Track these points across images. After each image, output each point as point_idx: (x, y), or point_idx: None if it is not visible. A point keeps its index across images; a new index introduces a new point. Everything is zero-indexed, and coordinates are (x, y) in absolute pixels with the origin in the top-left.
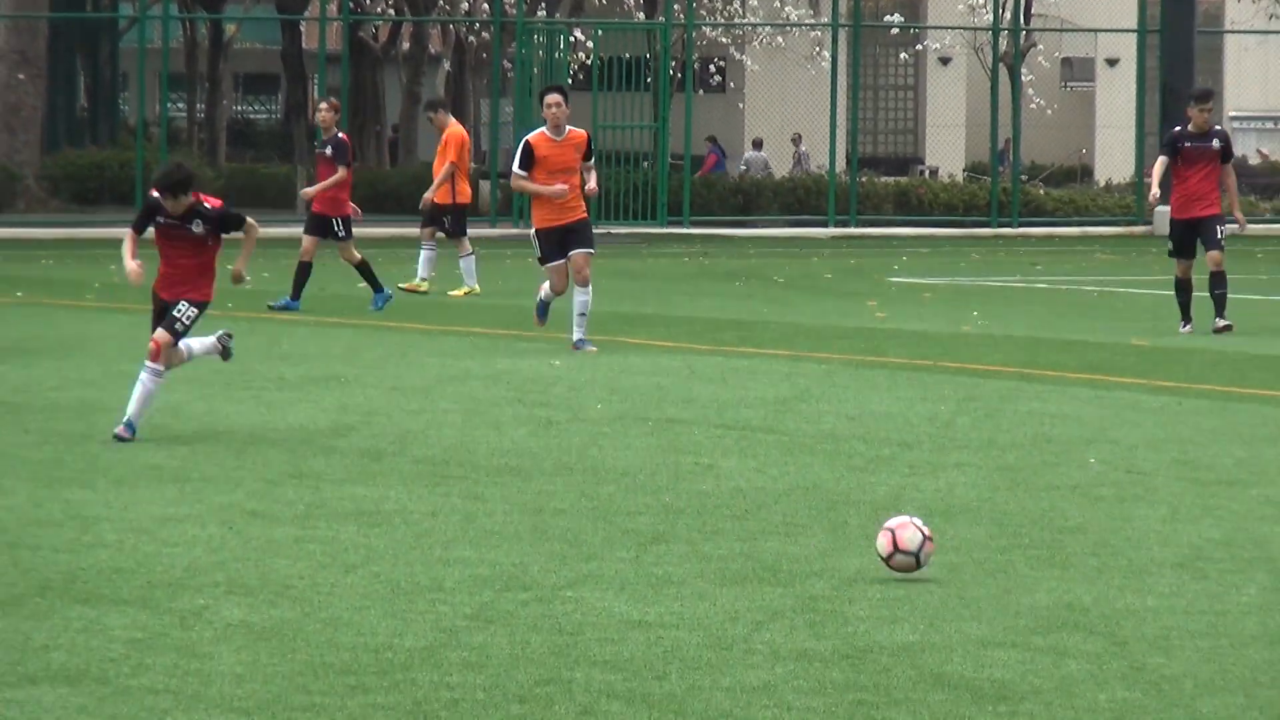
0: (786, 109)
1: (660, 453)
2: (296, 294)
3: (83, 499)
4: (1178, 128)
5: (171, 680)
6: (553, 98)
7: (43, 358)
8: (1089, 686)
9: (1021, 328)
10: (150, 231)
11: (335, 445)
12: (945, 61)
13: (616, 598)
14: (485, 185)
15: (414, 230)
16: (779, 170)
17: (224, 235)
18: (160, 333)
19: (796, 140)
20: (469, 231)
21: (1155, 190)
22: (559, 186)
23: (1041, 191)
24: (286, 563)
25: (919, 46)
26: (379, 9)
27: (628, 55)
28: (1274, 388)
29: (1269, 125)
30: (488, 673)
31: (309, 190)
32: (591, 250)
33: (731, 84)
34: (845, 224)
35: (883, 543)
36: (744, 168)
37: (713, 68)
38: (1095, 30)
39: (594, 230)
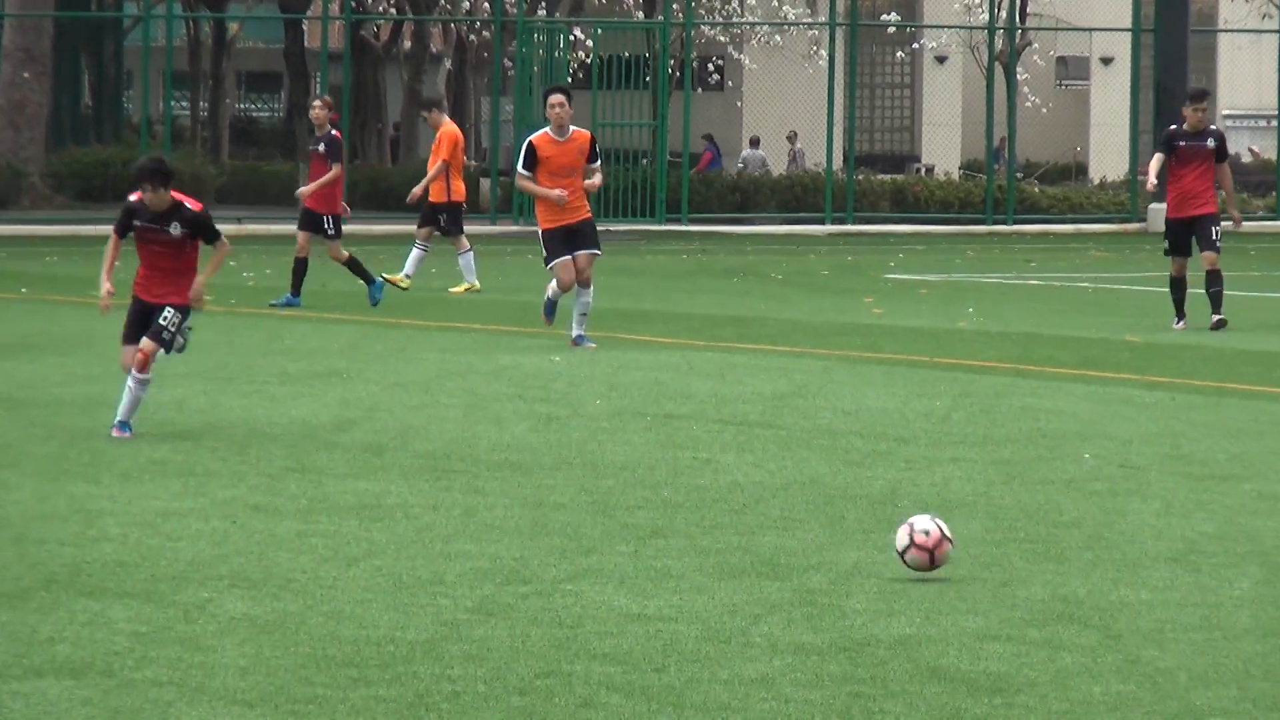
0: (784, 107)
1: (659, 448)
2: (296, 290)
3: (87, 493)
4: (1173, 126)
5: (175, 673)
6: (556, 98)
7: (47, 354)
8: (1084, 679)
9: (1016, 324)
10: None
11: (337, 440)
12: (941, 60)
13: (616, 591)
14: (485, 183)
15: (412, 227)
16: (776, 168)
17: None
18: (145, 342)
19: (792, 138)
20: (465, 229)
21: (1152, 179)
22: (558, 192)
23: (1036, 189)
24: (289, 556)
25: (915, 45)
26: (380, 8)
27: (627, 54)
28: (1266, 383)
29: (1262, 124)
30: (488, 665)
31: (304, 190)
32: (596, 251)
33: (730, 82)
34: (842, 221)
35: (918, 559)
36: (741, 165)
37: (711, 66)
38: (1090, 29)
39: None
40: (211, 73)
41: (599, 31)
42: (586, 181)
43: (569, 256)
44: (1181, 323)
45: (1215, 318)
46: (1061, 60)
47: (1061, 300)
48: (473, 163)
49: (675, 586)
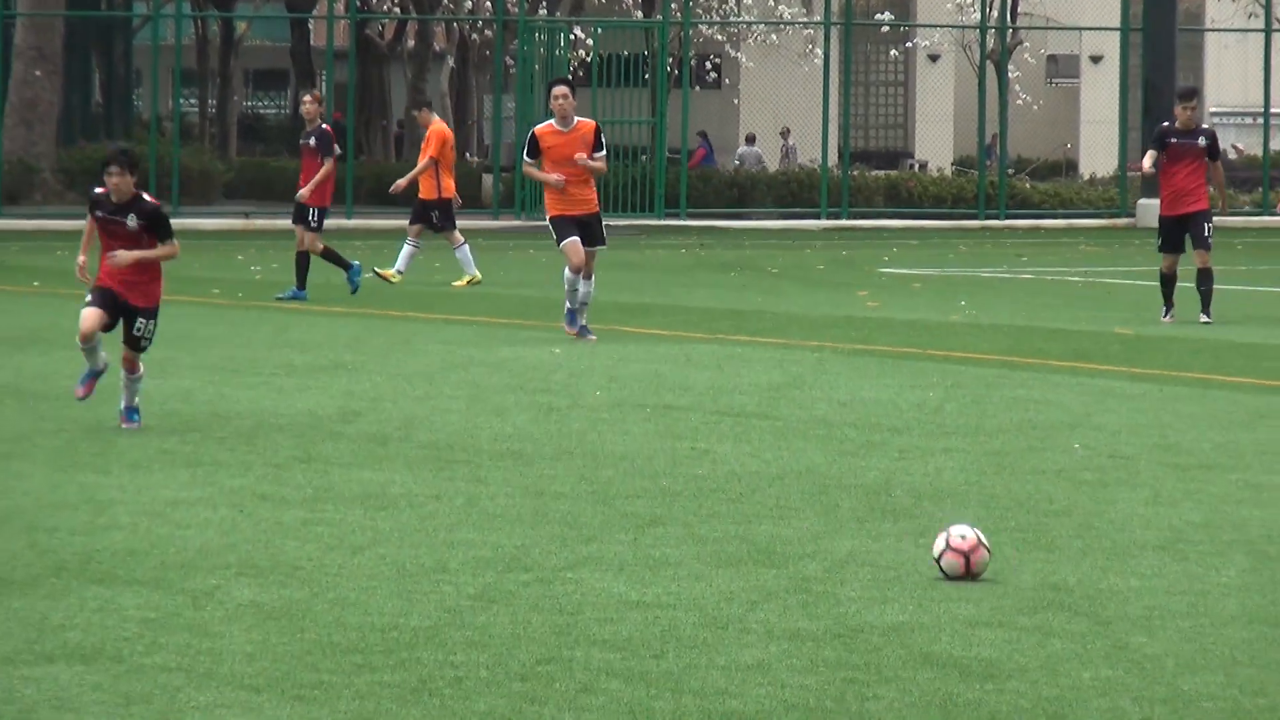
0: (780, 105)
1: (658, 438)
2: (301, 284)
3: (97, 483)
4: (1165, 124)
5: (184, 658)
6: (559, 90)
7: (58, 347)
8: (1073, 665)
9: (1008, 317)
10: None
11: (342, 431)
12: (934, 58)
13: (615, 579)
14: (488, 179)
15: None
16: (771, 164)
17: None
18: (127, 352)
19: (785, 134)
20: (467, 224)
21: (1148, 165)
22: (555, 176)
23: (1027, 185)
24: (295, 545)
25: (909, 44)
26: (385, 7)
27: (626, 52)
28: (1252, 375)
29: (1248, 121)
30: (490, 651)
31: (304, 191)
32: (601, 246)
33: (727, 80)
34: (837, 216)
35: (953, 564)
36: (738, 163)
37: (709, 64)
38: (1080, 28)
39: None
40: (219, 71)
41: (599, 30)
42: (581, 159)
43: (578, 237)
44: (1169, 316)
45: (1203, 319)
46: (1052, 58)
47: (1052, 294)
48: (474, 159)
49: (673, 574)
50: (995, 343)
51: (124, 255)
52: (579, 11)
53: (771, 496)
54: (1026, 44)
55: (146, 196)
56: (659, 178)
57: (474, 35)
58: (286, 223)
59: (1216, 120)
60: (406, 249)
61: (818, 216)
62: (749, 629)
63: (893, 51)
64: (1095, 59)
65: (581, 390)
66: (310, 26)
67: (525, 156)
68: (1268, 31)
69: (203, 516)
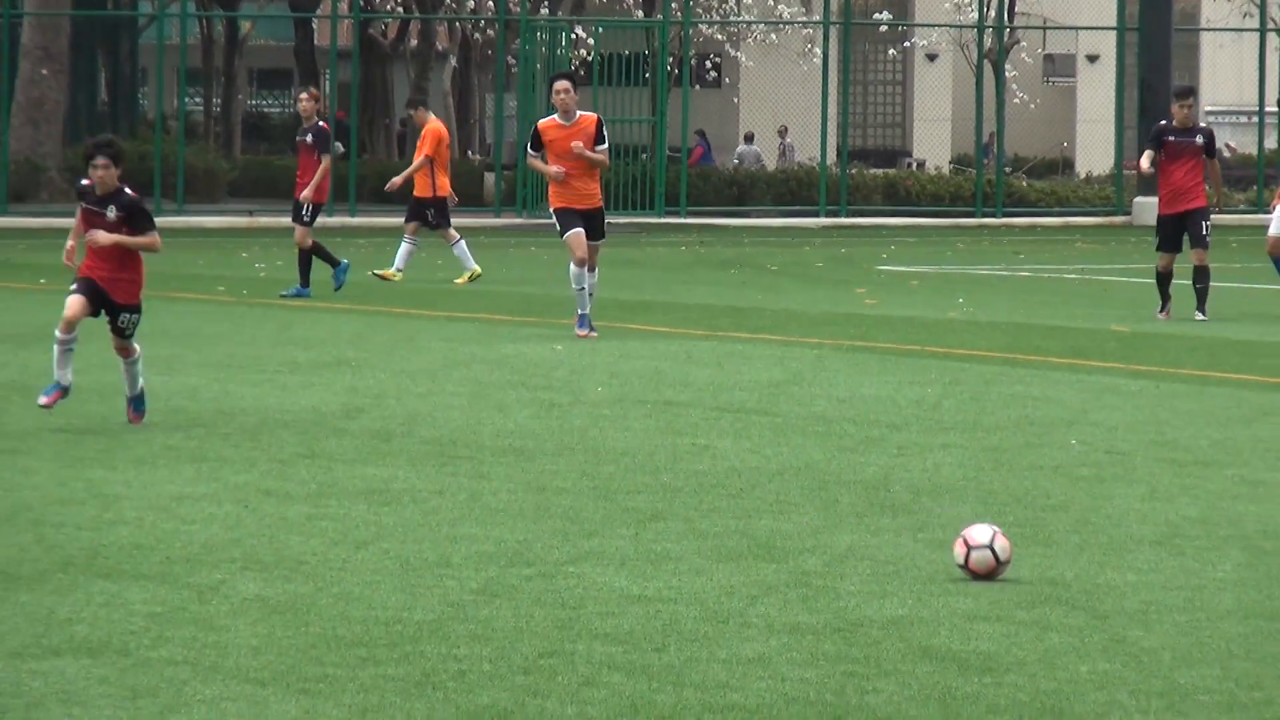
0: (780, 103)
1: (658, 434)
2: (305, 281)
3: (104, 478)
4: (1163, 122)
5: (190, 652)
6: (561, 84)
7: None
8: (1071, 658)
9: (1005, 314)
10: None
11: (346, 427)
12: (932, 58)
13: (617, 573)
14: (490, 177)
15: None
16: (769, 163)
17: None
18: (118, 343)
19: (782, 132)
20: (470, 221)
21: (1146, 165)
22: (555, 168)
23: (1024, 183)
24: (300, 539)
25: (907, 43)
26: (388, 7)
27: (627, 52)
28: (1248, 371)
29: (1243, 120)
30: (493, 645)
31: (306, 193)
32: (601, 240)
33: (727, 79)
34: (836, 214)
35: (984, 559)
36: (737, 161)
37: (709, 64)
38: (1076, 28)
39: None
40: (224, 70)
41: (600, 30)
42: (581, 148)
43: (581, 229)
44: (1165, 312)
45: (1199, 316)
46: (1049, 58)
47: (1049, 291)
48: (477, 157)
49: (674, 569)
50: (993, 340)
51: (103, 235)
52: (580, 11)
53: (771, 492)
54: (1023, 43)
55: (128, 190)
56: (659, 176)
57: (476, 34)
58: (290, 220)
59: (1211, 119)
60: (404, 247)
61: (817, 214)
62: (749, 623)
63: (891, 51)
64: (1092, 58)
65: (583, 387)
66: (314, 26)
67: (529, 149)
68: (1262, 31)
69: (208, 512)
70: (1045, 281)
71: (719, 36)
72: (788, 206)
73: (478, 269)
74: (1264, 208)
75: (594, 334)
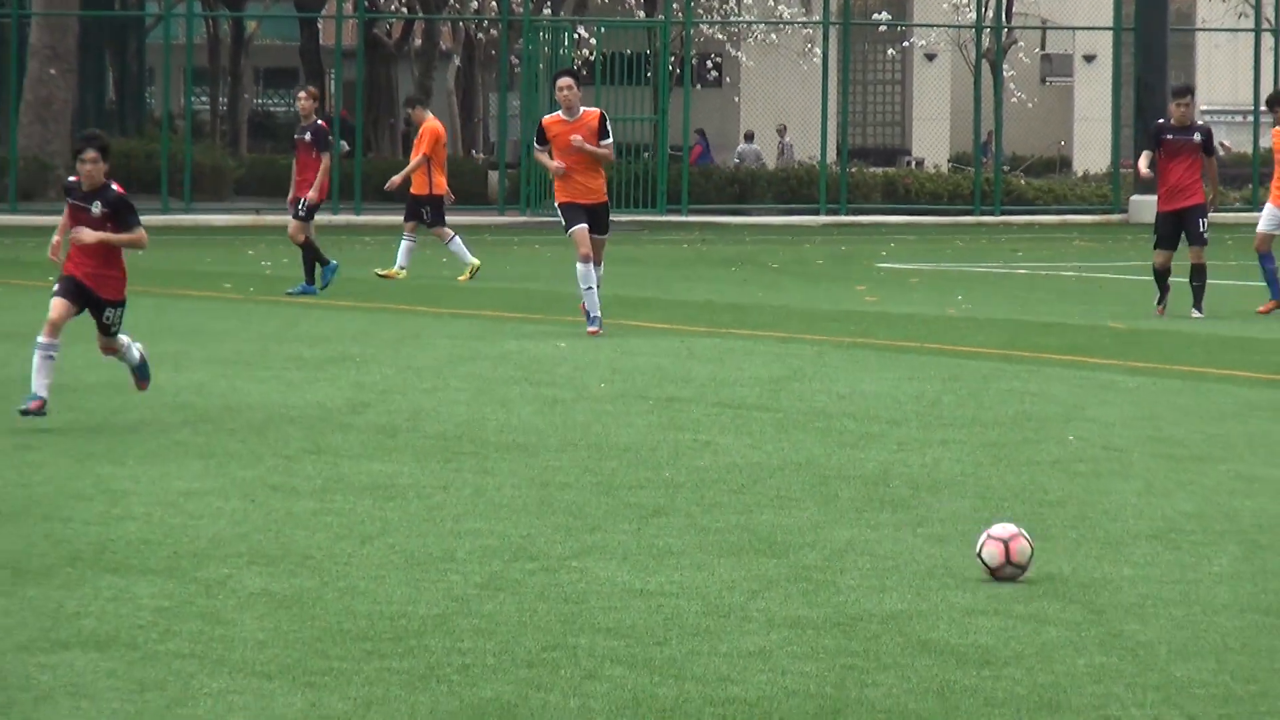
0: (780, 103)
1: (660, 430)
2: (310, 278)
3: (112, 474)
4: (1160, 120)
5: (197, 645)
6: (563, 81)
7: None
8: (1068, 652)
9: (1003, 311)
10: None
11: (351, 422)
12: (931, 58)
13: (619, 568)
14: (493, 175)
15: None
16: (769, 161)
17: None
18: (104, 341)
19: (781, 131)
20: (473, 219)
21: (1144, 168)
22: (556, 164)
23: (1022, 181)
24: (306, 534)
25: (906, 43)
26: (393, 7)
27: (629, 51)
28: (1243, 368)
29: (1238, 119)
30: (497, 639)
31: (312, 194)
32: (605, 236)
33: (727, 79)
34: (836, 212)
35: (993, 552)
36: (738, 160)
37: (710, 63)
38: (1073, 28)
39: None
40: (230, 69)
41: (602, 30)
42: (581, 141)
43: (586, 225)
44: (1161, 306)
45: (1195, 314)
46: (1046, 57)
47: (1046, 288)
48: (480, 156)
49: (676, 563)
50: (991, 336)
51: (88, 233)
52: (582, 11)
53: (772, 487)
54: (1021, 43)
55: (114, 185)
56: (661, 174)
57: (480, 34)
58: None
59: (1207, 119)
60: (405, 244)
61: (817, 212)
62: (750, 617)
63: (890, 51)
64: (1089, 58)
65: (586, 383)
66: (319, 26)
67: (535, 144)
68: (1257, 31)
69: (215, 507)
70: (1043, 279)
71: (720, 36)
72: (788, 205)
73: (477, 262)
74: (1258, 206)
75: (601, 331)
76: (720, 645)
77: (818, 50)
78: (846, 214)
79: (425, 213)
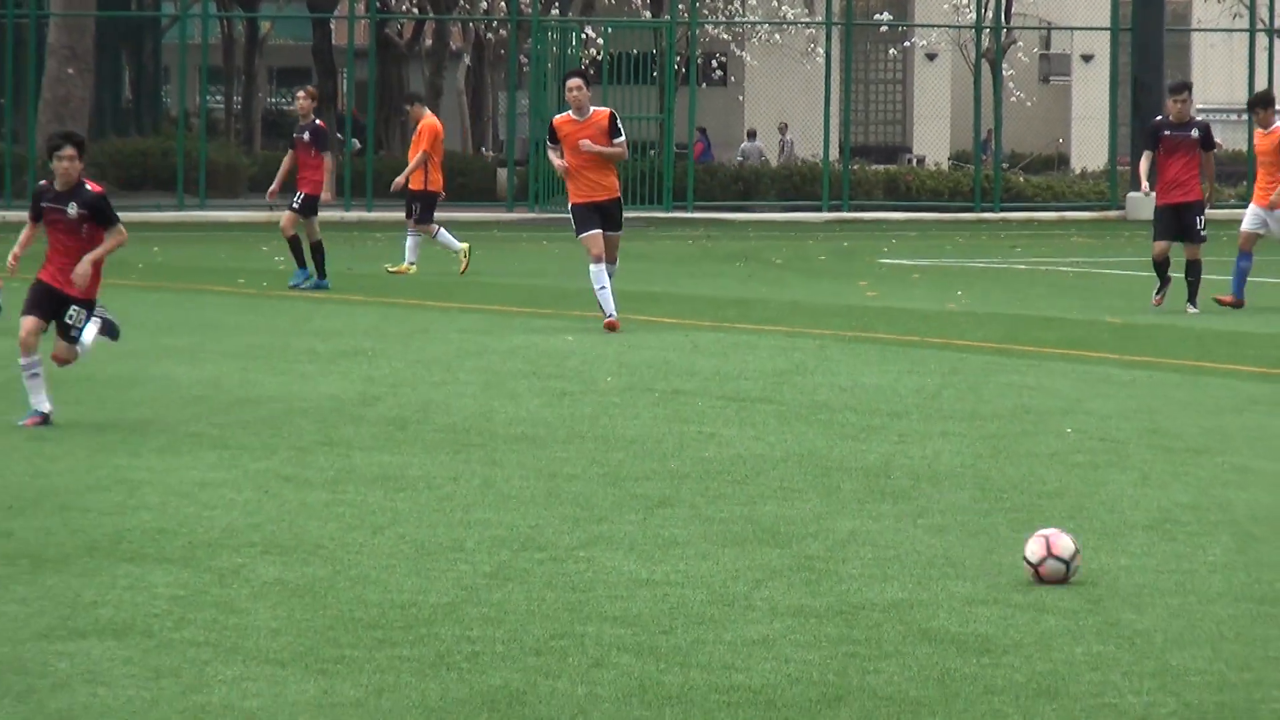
0: (783, 102)
1: (666, 422)
2: (321, 273)
3: (128, 465)
4: (1158, 118)
5: (211, 634)
6: (573, 81)
7: None
8: (1066, 640)
9: (1003, 306)
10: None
11: (363, 415)
12: (931, 57)
13: (625, 557)
14: (502, 173)
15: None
16: (772, 159)
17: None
18: (61, 346)
19: (782, 129)
20: (481, 215)
21: (1144, 185)
22: (561, 163)
23: (1021, 179)
24: (318, 524)
25: (907, 43)
26: (404, 7)
27: (635, 51)
28: (1238, 362)
29: (1233, 118)
30: (506, 627)
31: (326, 195)
32: (618, 233)
33: (732, 78)
34: (838, 209)
35: (1035, 548)
36: (741, 158)
37: (714, 63)
38: (1071, 28)
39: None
40: (244, 69)
41: (609, 30)
42: (588, 144)
43: (596, 230)
44: (1159, 296)
45: (1190, 309)
46: (1044, 57)
47: (1045, 284)
48: (490, 154)
49: (682, 553)
50: (991, 331)
51: (81, 270)
52: (590, 11)
53: (775, 478)
54: (1020, 43)
55: (89, 185)
56: (666, 171)
57: (489, 34)
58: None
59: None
60: (410, 240)
61: (820, 209)
62: (754, 606)
63: (891, 50)
64: (1086, 58)
65: (593, 376)
66: (332, 26)
67: (548, 143)
68: (1252, 31)
69: (229, 497)
70: (1041, 274)
71: (724, 36)
72: (792, 201)
73: (465, 245)
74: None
75: (617, 322)
76: (725, 634)
77: (820, 50)
78: (849, 211)
79: (414, 208)
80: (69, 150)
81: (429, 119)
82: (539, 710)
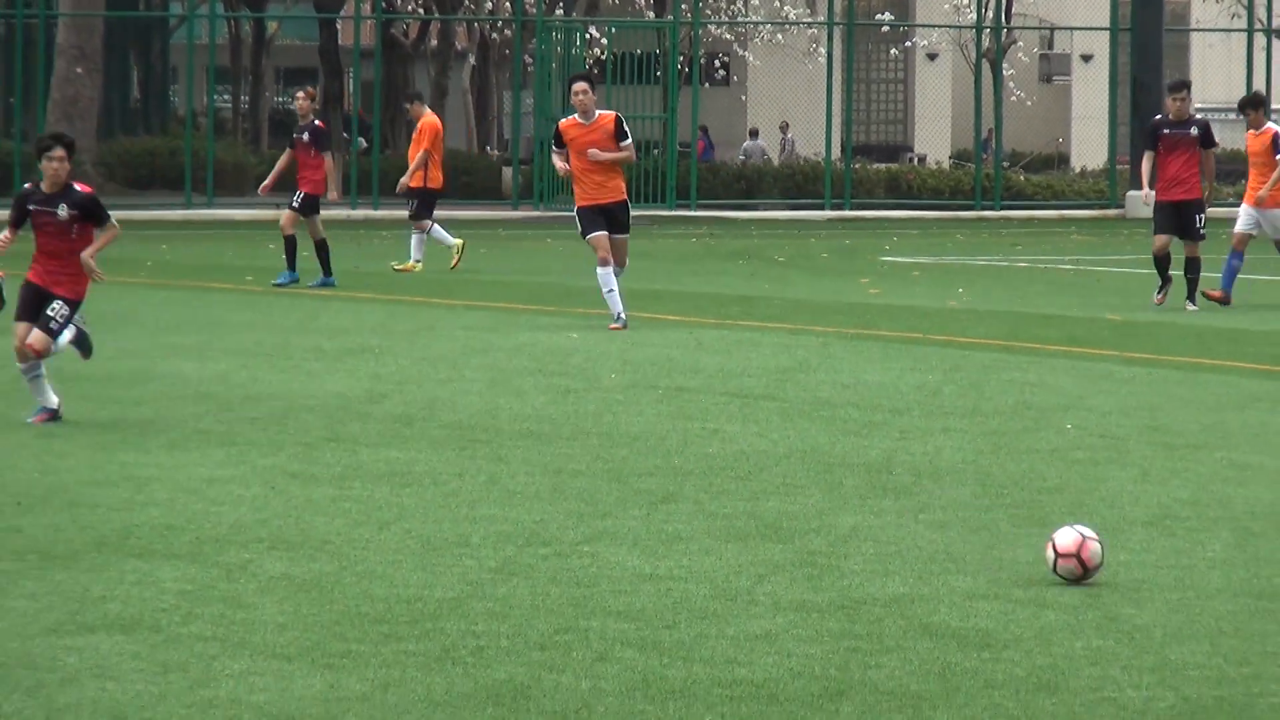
0: (785, 101)
1: (669, 419)
2: (327, 271)
3: (136, 461)
4: (1158, 117)
5: (219, 629)
6: (578, 85)
7: (100, 330)
8: (1066, 635)
9: (1003, 303)
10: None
11: (369, 411)
12: (933, 57)
13: (629, 553)
14: (507, 171)
15: (438, 212)
16: (774, 157)
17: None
18: (35, 335)
19: (784, 128)
20: (488, 214)
21: (1146, 190)
22: (563, 166)
23: (1021, 177)
24: (324, 520)
25: (908, 43)
26: (409, 7)
27: (639, 51)
28: (1237, 359)
29: (1232, 117)
30: (511, 622)
31: (333, 194)
32: (625, 235)
33: (735, 78)
34: (840, 207)
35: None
36: (743, 157)
37: (717, 63)
38: (1071, 28)
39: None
40: (251, 68)
41: (613, 30)
42: (596, 153)
43: (602, 232)
44: (1161, 295)
45: (1189, 306)
46: (1044, 57)
47: (1045, 281)
48: (495, 152)
49: (685, 548)
50: (992, 328)
51: (87, 260)
52: (594, 12)
53: (778, 474)
54: (1020, 43)
55: (79, 186)
56: (670, 170)
57: (494, 34)
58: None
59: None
60: (415, 237)
61: (822, 207)
62: (757, 601)
63: (893, 50)
64: (1086, 58)
65: (597, 373)
66: (338, 26)
67: (553, 147)
68: (1250, 32)
69: (236, 493)
70: (1041, 272)
71: (727, 36)
72: (794, 200)
73: (460, 241)
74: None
75: (623, 328)
76: (728, 628)
77: (822, 50)
78: (851, 209)
79: (411, 204)
80: (59, 151)
81: (429, 117)
82: (543, 704)
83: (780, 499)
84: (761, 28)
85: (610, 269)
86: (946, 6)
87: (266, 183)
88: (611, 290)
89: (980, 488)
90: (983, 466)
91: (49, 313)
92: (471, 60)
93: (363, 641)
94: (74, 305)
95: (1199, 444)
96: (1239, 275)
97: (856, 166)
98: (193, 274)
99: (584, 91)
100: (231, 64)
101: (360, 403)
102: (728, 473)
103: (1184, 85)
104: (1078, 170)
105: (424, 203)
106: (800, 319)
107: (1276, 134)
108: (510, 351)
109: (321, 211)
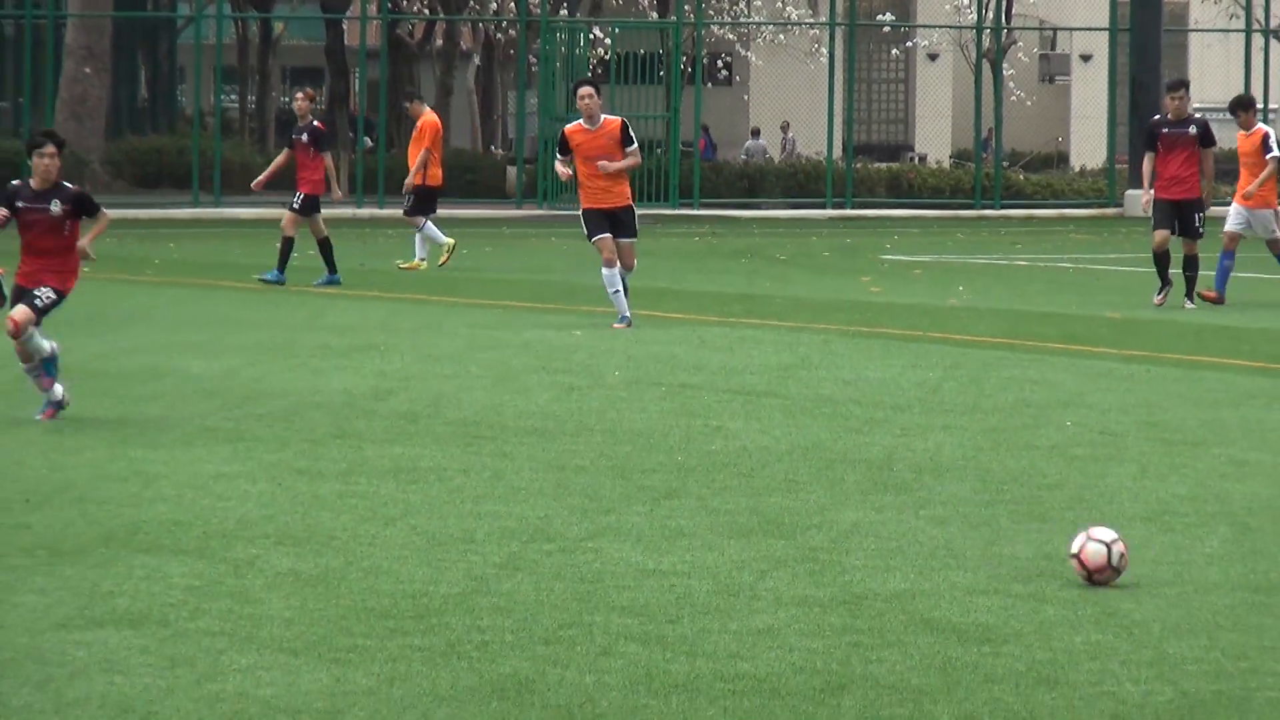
0: (787, 101)
1: (673, 415)
2: (332, 269)
3: (144, 457)
4: (1156, 116)
5: (226, 623)
6: (584, 90)
7: (112, 329)
8: (1065, 630)
9: (1003, 301)
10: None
11: (375, 408)
12: (933, 57)
13: (633, 548)
14: (511, 170)
15: (443, 211)
16: (776, 156)
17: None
18: (20, 308)
19: (785, 128)
20: (490, 213)
21: (1147, 193)
22: (565, 170)
23: (1021, 176)
24: (331, 516)
25: (909, 43)
26: (415, 8)
27: (642, 51)
28: (1235, 356)
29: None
30: (515, 617)
31: (337, 193)
32: (632, 239)
33: (737, 78)
34: (841, 206)
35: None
36: (746, 156)
37: (720, 63)
38: (1071, 29)
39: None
40: (258, 68)
41: (616, 30)
42: (606, 165)
43: (608, 234)
44: (1161, 295)
45: (1187, 304)
46: (1044, 57)
47: (1045, 280)
48: (499, 152)
49: (688, 544)
50: (992, 326)
51: (83, 247)
52: (598, 12)
53: (780, 471)
54: (1020, 43)
55: (66, 183)
56: (673, 169)
57: (499, 35)
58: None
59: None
60: (419, 236)
61: (823, 206)
62: (759, 596)
63: (894, 51)
64: (1085, 58)
65: (601, 370)
66: (344, 26)
67: (558, 154)
68: (1248, 32)
69: (243, 489)
70: (1041, 270)
71: (730, 37)
72: (796, 199)
73: (451, 240)
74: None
75: (628, 327)
76: (730, 623)
77: (824, 50)
78: (852, 208)
79: (407, 199)
80: (50, 148)
81: (429, 115)
82: (548, 698)
83: (782, 495)
84: (763, 28)
85: (616, 270)
86: (947, 7)
87: (261, 178)
88: (617, 291)
89: (980, 484)
90: (983, 463)
91: (36, 293)
92: (476, 60)
93: (368, 636)
94: (60, 295)
95: (1197, 440)
96: (1231, 274)
97: (858, 166)
98: (200, 272)
99: (590, 96)
100: (238, 64)
101: (366, 399)
102: (730, 469)
103: (1182, 84)
104: (1077, 169)
105: (420, 201)
106: (802, 317)
107: (1267, 134)
108: (515, 349)
109: (323, 210)
